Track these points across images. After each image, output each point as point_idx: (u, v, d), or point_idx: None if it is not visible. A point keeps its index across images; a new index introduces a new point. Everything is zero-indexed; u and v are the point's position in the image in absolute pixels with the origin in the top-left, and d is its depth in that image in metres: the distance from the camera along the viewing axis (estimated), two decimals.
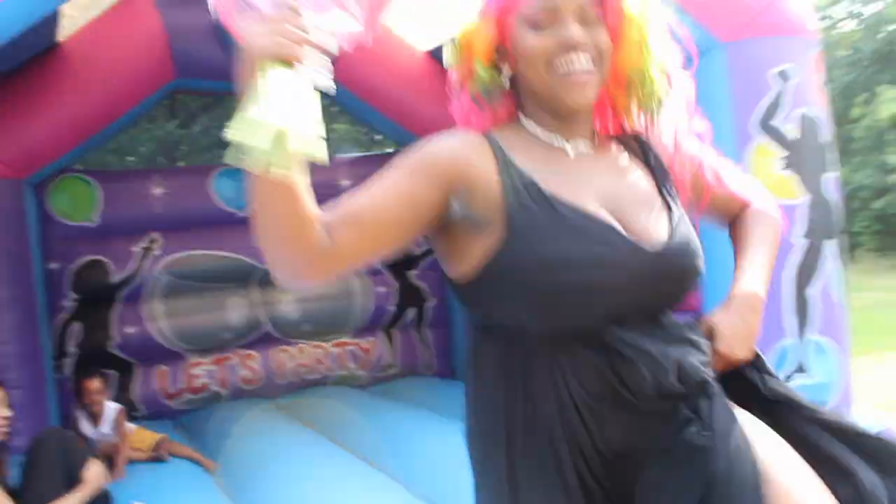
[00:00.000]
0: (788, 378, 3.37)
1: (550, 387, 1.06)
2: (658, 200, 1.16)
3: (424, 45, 5.63)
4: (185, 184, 5.82)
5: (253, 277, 5.84)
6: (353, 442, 4.27)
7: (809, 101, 3.45)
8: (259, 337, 5.95)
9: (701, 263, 1.14)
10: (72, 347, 5.40)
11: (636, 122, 1.22)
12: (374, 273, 6.20)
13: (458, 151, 1.11)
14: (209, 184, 5.76)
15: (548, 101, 1.11)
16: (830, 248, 3.46)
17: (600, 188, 1.11)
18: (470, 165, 1.10)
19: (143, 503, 3.33)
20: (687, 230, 1.14)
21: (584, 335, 1.06)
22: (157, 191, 5.66)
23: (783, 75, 3.40)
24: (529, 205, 1.06)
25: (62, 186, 5.38)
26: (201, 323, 5.78)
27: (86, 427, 4.17)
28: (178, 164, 11.50)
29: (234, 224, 5.77)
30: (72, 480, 3.19)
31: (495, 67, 1.14)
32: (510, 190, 1.08)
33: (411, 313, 6.34)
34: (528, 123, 1.16)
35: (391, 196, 1.07)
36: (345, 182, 5.97)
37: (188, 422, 5.45)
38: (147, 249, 5.64)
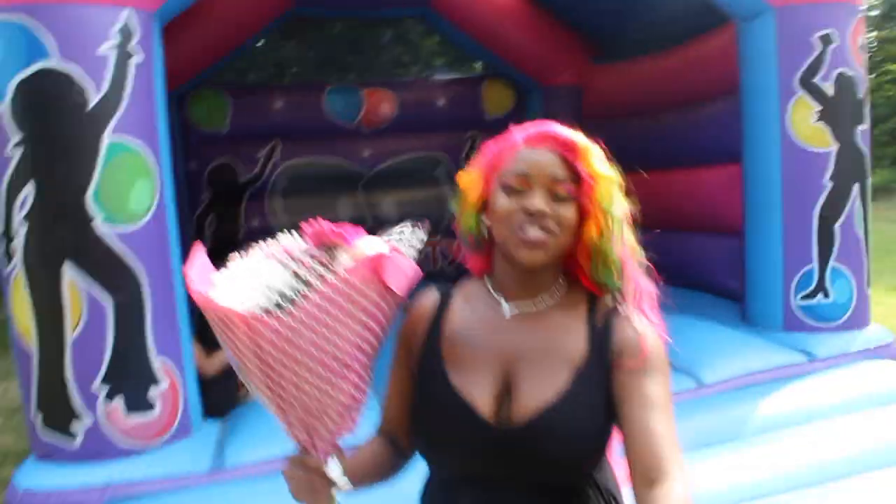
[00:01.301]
0: (811, 296, 4.01)
1: None
2: (563, 375, 1.16)
3: None
4: (301, 98, 6.62)
5: (358, 181, 6.71)
6: None
7: (848, 62, 3.89)
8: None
9: (565, 450, 1.13)
10: (208, 234, 6.43)
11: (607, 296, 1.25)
12: None
13: (405, 327, 1.31)
14: (322, 99, 6.54)
15: (507, 256, 1.19)
16: (855, 190, 4.00)
17: (510, 349, 1.20)
18: (412, 335, 1.29)
19: None
20: (566, 413, 1.14)
21: (456, 486, 1.21)
22: (278, 104, 6.50)
23: (825, 39, 3.84)
24: (427, 371, 1.24)
25: (199, 99, 6.28)
26: None
27: None
28: (292, 80, 12.07)
29: (343, 135, 6.62)
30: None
31: (480, 219, 1.24)
32: (424, 354, 1.26)
33: None
34: (488, 278, 1.28)
35: (394, 394, 1.34)
36: (440, 101, 6.69)
37: None
38: (269, 155, 6.56)
